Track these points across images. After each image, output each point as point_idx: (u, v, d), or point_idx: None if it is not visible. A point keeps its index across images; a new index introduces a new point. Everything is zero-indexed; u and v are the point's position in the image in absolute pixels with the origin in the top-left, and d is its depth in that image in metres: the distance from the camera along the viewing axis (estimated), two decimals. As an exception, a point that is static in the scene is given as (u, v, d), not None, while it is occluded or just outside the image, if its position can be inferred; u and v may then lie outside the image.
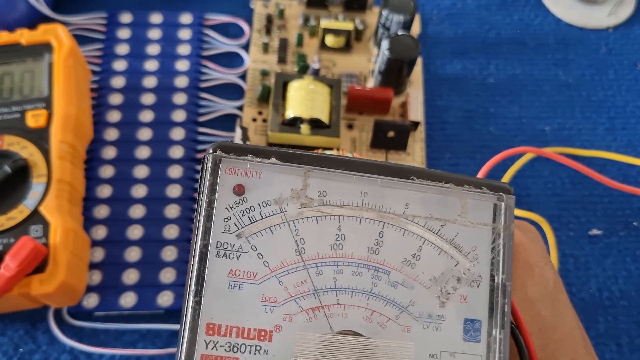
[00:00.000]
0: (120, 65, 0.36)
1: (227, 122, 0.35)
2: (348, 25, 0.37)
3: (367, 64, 0.37)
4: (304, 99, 0.33)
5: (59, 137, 0.29)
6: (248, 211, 0.17)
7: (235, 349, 0.16)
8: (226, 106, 0.35)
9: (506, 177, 0.33)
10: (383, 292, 0.17)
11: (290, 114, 0.32)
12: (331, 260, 0.17)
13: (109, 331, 0.29)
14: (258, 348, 0.16)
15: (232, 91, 0.36)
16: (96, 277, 0.30)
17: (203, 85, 0.36)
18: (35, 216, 0.27)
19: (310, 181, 0.17)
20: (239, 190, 0.17)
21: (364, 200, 0.17)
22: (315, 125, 0.32)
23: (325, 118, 0.32)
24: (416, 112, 0.34)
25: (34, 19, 0.35)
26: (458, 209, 0.17)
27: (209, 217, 0.16)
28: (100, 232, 0.31)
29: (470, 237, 0.17)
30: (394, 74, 0.34)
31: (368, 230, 0.17)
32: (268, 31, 0.38)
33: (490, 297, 0.17)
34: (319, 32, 0.37)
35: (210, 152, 0.17)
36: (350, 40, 0.37)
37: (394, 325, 0.17)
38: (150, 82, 0.35)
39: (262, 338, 0.16)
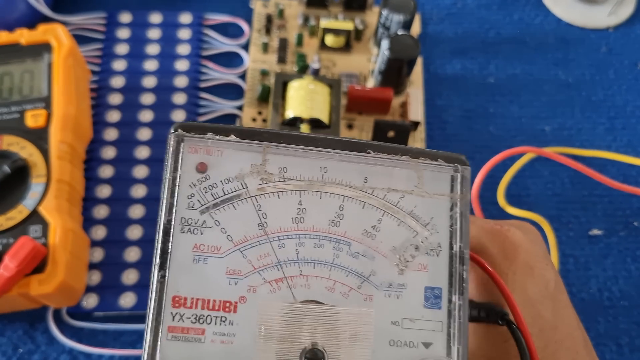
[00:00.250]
0: (119, 65, 0.36)
1: (227, 122, 0.35)
2: (348, 25, 0.37)
3: (367, 63, 0.37)
4: (304, 99, 0.32)
5: (59, 137, 0.29)
6: (211, 188, 0.17)
7: (201, 320, 0.16)
8: (226, 106, 0.35)
9: (506, 177, 0.33)
10: (344, 263, 0.17)
11: (290, 113, 0.32)
12: (293, 233, 0.17)
13: (108, 331, 0.29)
14: (223, 319, 0.16)
15: (231, 91, 0.36)
16: (95, 277, 0.30)
17: (203, 85, 0.36)
18: (34, 216, 0.27)
19: (270, 157, 0.17)
20: (202, 168, 0.17)
21: (324, 174, 0.18)
22: (315, 125, 0.32)
23: (325, 118, 0.32)
24: (416, 111, 0.34)
25: (33, 19, 0.35)
26: (415, 181, 0.18)
27: (172, 194, 0.17)
28: (100, 232, 0.31)
29: (429, 208, 0.18)
30: (394, 74, 0.34)
31: (328, 204, 0.18)
32: (268, 31, 0.38)
33: (449, 265, 0.18)
34: (318, 32, 0.37)
35: (172, 131, 0.17)
36: (350, 40, 0.37)
37: (356, 294, 0.17)
38: (149, 82, 0.35)
39: (227, 309, 0.16)
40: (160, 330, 0.16)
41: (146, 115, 0.34)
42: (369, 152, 0.18)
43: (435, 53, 0.39)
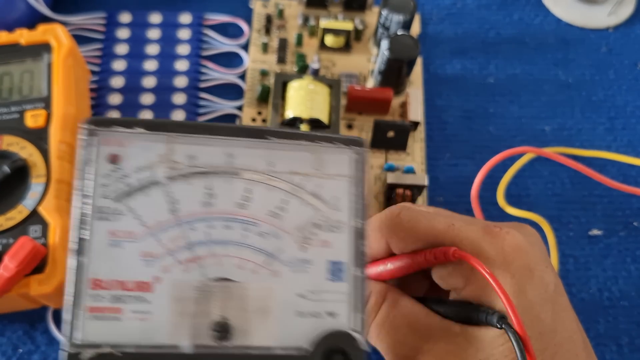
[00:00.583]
0: (119, 65, 0.36)
1: (227, 122, 0.35)
2: (348, 25, 0.37)
3: (366, 63, 0.37)
4: (304, 99, 0.32)
5: (58, 137, 0.29)
6: (123, 177, 0.18)
7: (118, 300, 0.18)
8: (225, 106, 0.35)
9: (506, 178, 0.33)
10: (253, 242, 0.19)
11: (289, 114, 0.32)
12: (203, 217, 0.18)
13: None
14: (139, 298, 0.18)
15: (231, 91, 0.36)
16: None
17: (202, 85, 0.36)
18: (34, 216, 0.27)
19: (178, 147, 0.19)
20: (114, 159, 0.18)
21: (230, 160, 0.19)
22: (315, 125, 0.32)
23: (324, 118, 0.32)
24: (416, 112, 0.34)
25: (33, 19, 0.35)
26: (316, 163, 0.19)
27: (87, 185, 0.18)
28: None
29: (331, 188, 0.19)
30: (394, 74, 0.34)
31: (236, 188, 0.19)
32: (267, 31, 0.38)
33: (350, 240, 0.19)
34: (318, 32, 0.37)
35: (84, 126, 0.18)
36: (350, 40, 0.37)
37: (265, 271, 0.18)
38: (149, 82, 0.35)
39: (143, 289, 0.18)
40: (81, 311, 0.17)
41: (146, 116, 0.34)
42: (267, 138, 0.19)
43: (435, 53, 0.39)
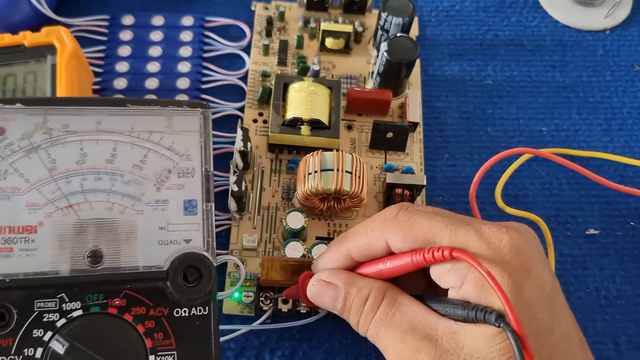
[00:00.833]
0: (122, 67, 0.36)
1: (228, 123, 0.35)
2: (347, 28, 0.37)
3: (366, 65, 0.38)
4: (304, 101, 0.33)
5: (62, 138, 0.30)
6: (9, 145, 0.22)
7: (9, 242, 0.21)
8: (227, 107, 0.36)
9: (504, 178, 0.34)
10: (120, 189, 0.23)
11: (290, 115, 0.33)
12: (77, 172, 0.23)
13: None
14: (27, 239, 0.22)
15: (233, 93, 0.36)
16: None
17: (204, 86, 0.36)
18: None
19: (53, 118, 0.23)
20: (0, 131, 0.22)
21: (99, 126, 0.23)
22: (315, 126, 0.33)
23: (325, 119, 0.33)
24: (414, 113, 0.34)
25: (36, 21, 0.36)
26: (168, 124, 0.24)
27: None
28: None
29: (184, 143, 0.24)
30: (393, 76, 0.35)
31: (104, 148, 0.23)
32: (268, 33, 0.38)
33: (202, 182, 0.24)
34: (318, 35, 0.38)
35: None
36: (350, 43, 0.38)
37: (131, 211, 0.23)
38: (152, 83, 0.36)
39: (29, 231, 0.22)
40: None
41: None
42: (127, 106, 0.23)
43: (433, 55, 0.39)
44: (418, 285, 0.25)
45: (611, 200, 0.35)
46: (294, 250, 0.29)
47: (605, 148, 0.37)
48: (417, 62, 0.38)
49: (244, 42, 0.38)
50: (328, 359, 0.29)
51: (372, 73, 0.37)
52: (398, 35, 0.34)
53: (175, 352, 0.22)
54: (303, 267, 0.27)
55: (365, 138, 0.35)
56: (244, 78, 0.37)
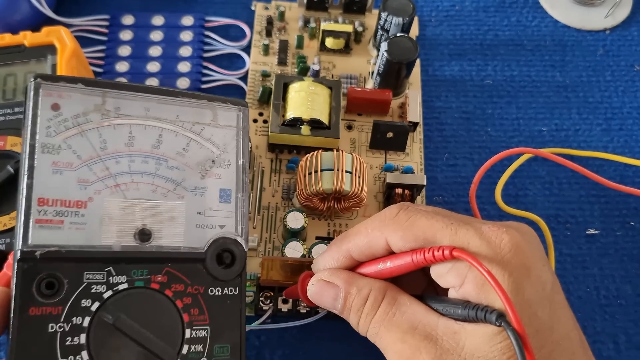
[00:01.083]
0: (122, 66, 0.36)
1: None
2: (347, 28, 0.37)
3: (366, 65, 0.38)
4: (304, 100, 0.33)
5: (62, 138, 0.30)
6: (63, 122, 0.23)
7: (60, 215, 0.22)
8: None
9: (504, 178, 0.34)
10: (164, 174, 0.24)
11: (290, 115, 0.33)
12: (126, 153, 0.24)
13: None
14: (77, 213, 0.23)
15: (233, 92, 0.37)
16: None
17: (204, 86, 0.36)
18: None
19: (109, 100, 0.24)
20: (55, 107, 0.23)
21: (147, 112, 0.25)
22: (315, 126, 0.33)
23: (325, 119, 0.33)
24: (414, 113, 0.35)
25: (36, 21, 0.36)
26: (212, 117, 0.26)
27: (34, 125, 0.22)
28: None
29: (223, 136, 0.26)
30: (393, 76, 0.35)
31: (151, 133, 0.25)
32: (268, 33, 0.38)
33: (236, 173, 0.26)
34: (318, 34, 0.38)
35: (32, 80, 0.23)
36: (350, 42, 0.38)
37: (172, 194, 0.24)
38: (152, 83, 0.36)
39: (79, 206, 0.23)
40: (30, 222, 0.22)
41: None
42: (179, 97, 0.25)
43: (433, 55, 0.39)
44: (418, 284, 0.25)
45: (611, 200, 0.35)
46: (294, 250, 0.30)
47: (605, 148, 0.37)
48: (417, 62, 0.38)
49: (244, 42, 0.38)
50: (328, 359, 0.29)
51: (372, 73, 0.37)
52: (398, 35, 0.34)
53: (208, 327, 0.24)
54: (303, 267, 0.27)
55: (365, 138, 0.35)
56: (244, 78, 0.37)
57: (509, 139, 0.37)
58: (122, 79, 0.36)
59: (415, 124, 0.35)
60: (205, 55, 0.37)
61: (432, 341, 0.21)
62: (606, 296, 0.32)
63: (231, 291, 0.25)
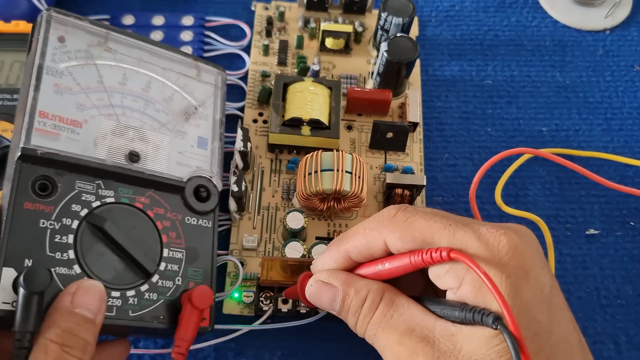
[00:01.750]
0: (122, 67, 0.36)
1: (229, 123, 0.35)
2: (347, 28, 0.37)
3: (366, 65, 0.38)
4: (304, 101, 0.33)
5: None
6: (67, 52, 0.27)
7: (57, 128, 0.25)
8: (228, 107, 0.36)
9: (504, 178, 0.34)
10: (151, 113, 0.28)
11: (290, 115, 0.33)
12: (120, 90, 0.28)
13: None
14: (72, 130, 0.26)
15: (233, 92, 0.36)
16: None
17: (204, 86, 0.36)
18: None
19: (110, 43, 0.28)
20: (61, 39, 0.26)
21: (140, 61, 0.29)
22: (315, 126, 0.33)
23: (324, 119, 0.33)
24: (414, 113, 0.34)
25: (34, 18, 0.36)
26: (196, 73, 0.31)
27: (42, 54, 0.26)
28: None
29: (203, 92, 0.31)
30: (393, 76, 0.35)
31: (142, 78, 0.29)
32: (268, 33, 0.38)
33: (212, 126, 0.30)
34: (318, 35, 0.38)
35: (44, 11, 0.26)
36: (350, 43, 0.38)
37: (157, 133, 0.28)
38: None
39: (75, 125, 0.26)
40: (32, 130, 0.24)
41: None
42: (170, 52, 0.30)
43: (433, 55, 0.39)
44: (417, 286, 0.25)
45: (611, 200, 0.35)
46: (294, 250, 0.29)
47: (605, 148, 0.37)
48: (417, 62, 0.38)
49: (244, 42, 0.38)
50: (328, 359, 0.29)
51: (372, 73, 0.37)
52: (398, 35, 0.34)
53: (184, 250, 0.27)
54: (303, 267, 0.27)
55: (365, 138, 0.35)
56: (244, 78, 0.37)
57: (509, 139, 0.37)
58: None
59: (415, 124, 0.35)
60: (205, 55, 0.37)
61: (429, 343, 0.21)
62: (606, 296, 0.32)
63: (205, 223, 0.28)
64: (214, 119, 0.30)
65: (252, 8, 0.40)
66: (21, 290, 0.21)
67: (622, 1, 0.42)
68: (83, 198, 0.25)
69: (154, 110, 0.28)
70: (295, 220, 0.30)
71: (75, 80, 0.26)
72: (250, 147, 0.32)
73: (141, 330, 0.26)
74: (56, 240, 0.24)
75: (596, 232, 0.34)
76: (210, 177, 0.29)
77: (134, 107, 0.28)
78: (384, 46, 0.34)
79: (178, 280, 0.26)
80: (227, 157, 0.33)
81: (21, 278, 0.21)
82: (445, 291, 0.22)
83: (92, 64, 0.27)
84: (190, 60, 0.30)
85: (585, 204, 0.35)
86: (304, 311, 0.28)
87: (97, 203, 0.25)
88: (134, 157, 0.26)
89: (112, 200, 0.26)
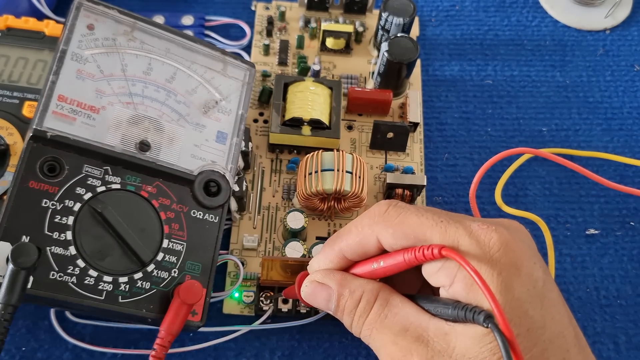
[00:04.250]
0: (122, 66, 0.36)
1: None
2: (348, 28, 0.37)
3: (366, 65, 0.38)
4: (305, 101, 0.33)
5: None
6: (94, 40, 0.27)
7: (74, 113, 0.26)
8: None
9: (504, 178, 0.34)
10: (171, 105, 0.28)
11: (290, 115, 0.33)
12: (142, 79, 0.28)
13: (111, 330, 0.29)
14: (88, 115, 0.26)
15: (232, 92, 0.36)
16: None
17: (204, 86, 0.36)
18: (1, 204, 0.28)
19: (137, 32, 0.28)
20: (90, 27, 0.27)
21: (167, 52, 0.29)
22: (316, 126, 0.33)
23: (325, 119, 0.33)
24: (415, 113, 0.35)
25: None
26: (222, 67, 0.30)
27: (69, 40, 0.26)
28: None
29: (229, 87, 0.30)
30: (393, 76, 0.35)
31: (167, 69, 0.28)
32: (269, 33, 0.38)
33: (234, 121, 0.30)
34: (319, 35, 0.38)
35: (76, 0, 0.27)
36: (350, 43, 0.38)
37: (175, 123, 0.28)
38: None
39: (92, 110, 0.26)
40: (48, 111, 0.25)
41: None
42: (198, 44, 0.29)
43: (434, 55, 0.39)
44: (414, 284, 0.25)
45: (611, 200, 0.35)
46: (294, 250, 0.30)
47: (605, 148, 0.37)
48: (418, 62, 0.38)
49: (245, 42, 0.38)
50: (328, 359, 0.29)
51: (373, 73, 0.37)
52: (398, 35, 0.34)
53: (185, 243, 0.27)
54: (303, 267, 0.27)
55: (365, 138, 0.35)
56: (244, 78, 0.37)
57: (509, 139, 0.37)
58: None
59: (415, 124, 0.35)
60: (206, 55, 0.37)
61: (424, 343, 0.21)
62: (606, 296, 0.32)
63: (211, 218, 0.28)
64: (237, 114, 0.30)
65: (253, 8, 0.40)
66: (10, 265, 0.22)
67: (622, 1, 0.42)
68: (89, 182, 0.25)
69: (174, 102, 0.28)
70: (296, 220, 0.30)
71: (99, 68, 0.26)
72: (251, 147, 0.32)
73: (129, 317, 0.25)
74: (56, 220, 0.24)
75: (596, 232, 0.34)
76: (224, 172, 0.28)
77: (155, 97, 0.28)
78: (384, 46, 0.34)
79: (174, 272, 0.26)
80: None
81: (9, 253, 0.22)
82: (439, 289, 0.22)
83: (118, 52, 0.27)
84: (218, 54, 0.30)
85: (585, 204, 0.35)
86: (304, 311, 0.28)
87: (102, 188, 0.25)
88: (144, 146, 0.26)
89: (118, 187, 0.26)
